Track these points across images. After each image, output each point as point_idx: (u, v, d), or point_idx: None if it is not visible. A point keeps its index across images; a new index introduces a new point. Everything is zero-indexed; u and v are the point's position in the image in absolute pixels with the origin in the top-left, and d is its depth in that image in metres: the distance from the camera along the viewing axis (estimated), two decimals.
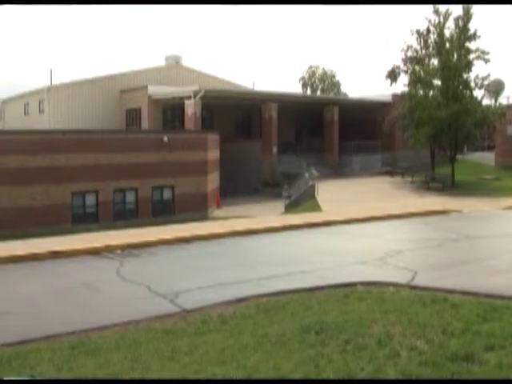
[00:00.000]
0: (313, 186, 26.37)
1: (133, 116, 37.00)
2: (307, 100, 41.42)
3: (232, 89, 40.11)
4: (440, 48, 29.51)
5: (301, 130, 42.48)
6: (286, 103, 36.57)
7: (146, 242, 12.02)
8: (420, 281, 8.42)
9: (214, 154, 29.10)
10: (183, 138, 26.96)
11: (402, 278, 8.63)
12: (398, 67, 30.83)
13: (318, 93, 64.83)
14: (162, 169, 25.36)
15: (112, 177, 23.84)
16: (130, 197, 24.74)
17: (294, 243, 12.55)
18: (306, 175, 28.78)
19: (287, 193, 27.93)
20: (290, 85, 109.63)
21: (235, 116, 39.62)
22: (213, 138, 29.21)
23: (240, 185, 34.72)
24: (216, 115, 37.96)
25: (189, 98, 32.09)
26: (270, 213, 23.38)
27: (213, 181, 28.70)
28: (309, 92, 65.21)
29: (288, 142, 39.89)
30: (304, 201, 25.27)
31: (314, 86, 66.61)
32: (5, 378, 4.85)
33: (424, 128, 29.01)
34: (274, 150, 35.18)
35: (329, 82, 66.60)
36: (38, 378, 4.78)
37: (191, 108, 31.92)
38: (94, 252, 11.17)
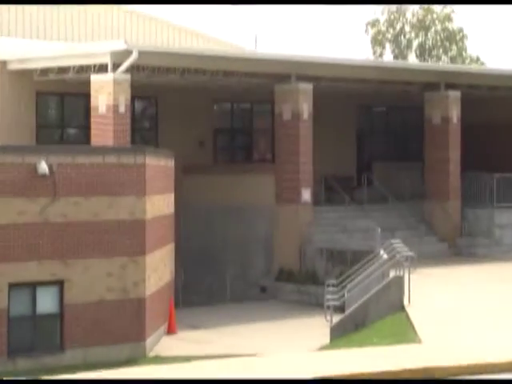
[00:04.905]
0: (398, 282, 26.38)
1: None
2: (385, 74, 41.30)
3: (207, 49, 40.61)
4: None
5: (369, 148, 43.21)
6: (332, 83, 37.04)
7: None
8: None
9: (161, 204, 29.21)
10: (88, 164, 26.97)
11: None
12: None
13: (412, 58, 65.80)
14: (36, 241, 25.36)
15: None
16: None
17: None
18: (382, 255, 28.72)
19: (335, 297, 27.83)
20: (342, 44, 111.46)
21: (213, 114, 40.25)
22: (159, 164, 29.27)
23: (224, 278, 34.72)
24: (167, 111, 38.52)
25: (102, 68, 32.35)
26: (293, 345, 23.55)
27: (159, 268, 28.66)
28: (390, 57, 66.31)
29: (338, 175, 40.27)
30: (376, 316, 25.35)
31: (401, 41, 67.68)
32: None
33: None
34: (306, 195, 35.25)
35: (437, 31, 67.77)
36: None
37: (107, 94, 32.15)
38: None
